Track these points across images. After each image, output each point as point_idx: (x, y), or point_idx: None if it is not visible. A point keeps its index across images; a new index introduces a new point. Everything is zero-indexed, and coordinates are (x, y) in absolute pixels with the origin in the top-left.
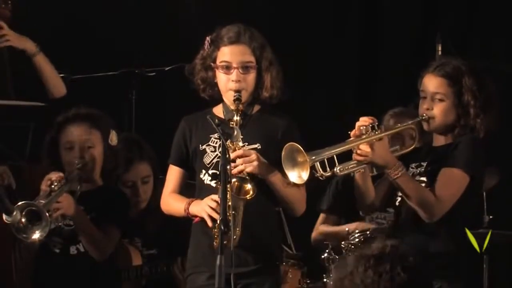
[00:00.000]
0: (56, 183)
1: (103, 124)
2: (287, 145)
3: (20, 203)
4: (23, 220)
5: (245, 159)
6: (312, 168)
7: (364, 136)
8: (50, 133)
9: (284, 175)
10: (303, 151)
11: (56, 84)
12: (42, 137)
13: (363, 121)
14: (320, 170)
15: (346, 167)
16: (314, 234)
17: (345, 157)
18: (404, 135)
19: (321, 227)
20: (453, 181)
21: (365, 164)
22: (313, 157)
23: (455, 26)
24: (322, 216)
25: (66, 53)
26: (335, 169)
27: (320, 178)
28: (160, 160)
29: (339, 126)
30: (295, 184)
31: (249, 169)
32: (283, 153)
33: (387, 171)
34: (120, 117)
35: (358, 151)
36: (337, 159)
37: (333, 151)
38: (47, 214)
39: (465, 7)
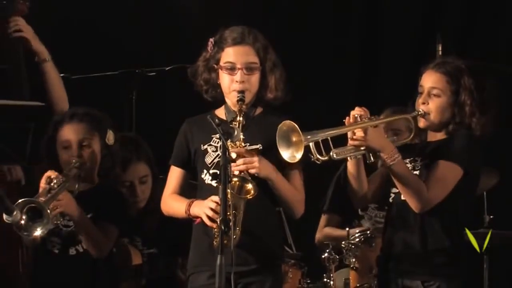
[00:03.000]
0: (55, 181)
1: (101, 124)
2: (282, 123)
3: (20, 200)
4: (23, 217)
5: (246, 159)
6: (308, 152)
7: (359, 121)
8: (47, 132)
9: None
10: (298, 130)
11: (61, 96)
12: (43, 138)
13: (357, 111)
14: (316, 154)
15: (343, 152)
16: (318, 236)
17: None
18: (402, 129)
19: (326, 230)
20: (445, 174)
21: (361, 149)
22: (308, 137)
23: (455, 26)
24: (324, 217)
25: (67, 53)
26: (331, 153)
27: (316, 161)
28: (160, 160)
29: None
30: (292, 174)
31: (252, 171)
32: (278, 131)
33: (383, 157)
34: (120, 117)
35: (354, 136)
36: (333, 146)
37: (329, 133)
38: (48, 210)
39: (465, 7)
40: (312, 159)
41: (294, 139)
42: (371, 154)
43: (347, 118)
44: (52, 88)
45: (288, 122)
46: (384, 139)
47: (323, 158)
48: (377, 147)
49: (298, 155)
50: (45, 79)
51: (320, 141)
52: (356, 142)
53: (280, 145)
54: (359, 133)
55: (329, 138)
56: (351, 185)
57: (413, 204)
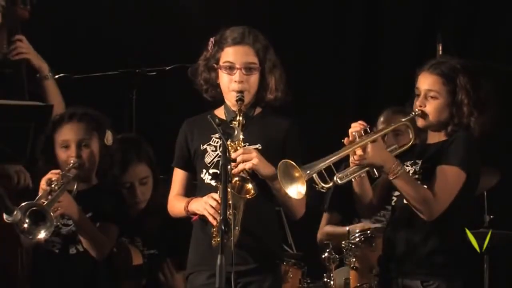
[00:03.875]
0: (55, 182)
1: (99, 124)
2: (280, 163)
3: (23, 204)
4: (27, 221)
5: (245, 156)
6: (312, 182)
7: (357, 140)
8: (45, 132)
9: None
10: (296, 166)
11: (58, 111)
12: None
13: (354, 127)
14: (320, 182)
15: (346, 174)
16: (319, 235)
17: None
18: (402, 129)
19: (326, 228)
20: (450, 179)
21: (365, 167)
22: (308, 171)
23: (455, 26)
24: (325, 216)
25: (67, 53)
26: (335, 179)
27: (322, 190)
28: (160, 159)
29: (340, 128)
30: (296, 200)
31: (248, 165)
32: (278, 171)
33: (386, 171)
34: (120, 117)
35: (355, 156)
36: (335, 168)
37: (328, 161)
38: (51, 213)
39: (465, 7)
40: (317, 188)
41: (296, 174)
42: (375, 170)
43: (346, 138)
44: (52, 102)
45: (284, 161)
46: (385, 153)
47: (327, 186)
48: (378, 162)
49: (302, 189)
50: (45, 95)
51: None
52: (358, 162)
53: (283, 184)
54: (359, 152)
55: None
56: (356, 194)
57: (421, 214)
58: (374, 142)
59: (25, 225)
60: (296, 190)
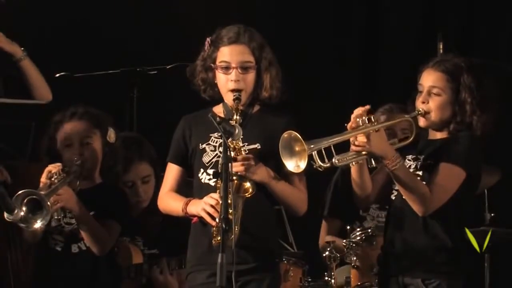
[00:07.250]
0: (56, 176)
1: (101, 122)
2: (284, 133)
3: (20, 192)
4: (23, 209)
5: (245, 163)
6: (310, 159)
7: (361, 127)
8: (47, 132)
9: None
10: (301, 139)
11: (41, 89)
12: (43, 137)
13: (358, 112)
14: (318, 161)
15: (345, 158)
16: (321, 244)
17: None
18: (402, 129)
19: (327, 238)
20: (449, 177)
21: (363, 155)
22: (312, 146)
23: (456, 25)
24: (325, 222)
25: (68, 52)
26: (333, 160)
27: (319, 169)
28: (161, 158)
29: (340, 128)
30: (293, 173)
31: (248, 174)
32: (280, 142)
33: (385, 162)
34: (121, 116)
35: (356, 142)
36: (334, 152)
37: (331, 140)
38: (48, 202)
39: (466, 6)
40: (315, 166)
41: (297, 148)
42: (372, 159)
43: (349, 123)
44: (33, 83)
45: (290, 131)
46: (387, 144)
47: (325, 165)
48: (379, 153)
49: (302, 164)
50: (25, 77)
51: (322, 148)
52: (358, 148)
53: (283, 155)
54: (361, 138)
55: (331, 145)
56: (355, 187)
57: (416, 208)
58: (377, 131)
59: (22, 213)
60: (295, 164)
